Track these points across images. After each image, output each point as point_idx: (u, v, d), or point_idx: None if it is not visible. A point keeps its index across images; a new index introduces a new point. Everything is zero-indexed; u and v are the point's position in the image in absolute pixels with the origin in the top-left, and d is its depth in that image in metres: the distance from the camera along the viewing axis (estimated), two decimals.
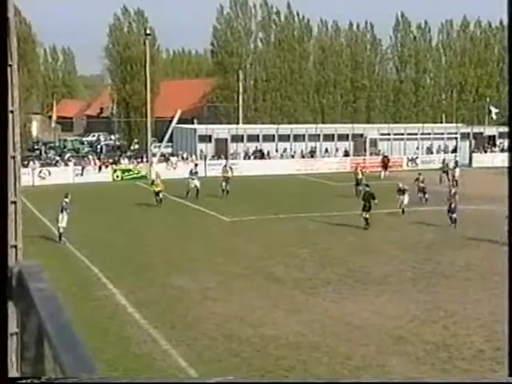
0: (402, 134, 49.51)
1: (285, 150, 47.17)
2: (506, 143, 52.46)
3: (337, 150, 48.16)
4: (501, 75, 62.23)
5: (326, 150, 48.02)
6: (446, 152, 49.43)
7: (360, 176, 33.18)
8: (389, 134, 49.27)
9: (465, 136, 50.89)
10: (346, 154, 48.00)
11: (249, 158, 45.61)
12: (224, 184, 33.02)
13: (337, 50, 59.09)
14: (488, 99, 56.68)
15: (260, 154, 46.25)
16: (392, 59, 61.95)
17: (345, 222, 25.31)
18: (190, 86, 66.42)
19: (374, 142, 48.41)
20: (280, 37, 57.59)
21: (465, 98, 61.18)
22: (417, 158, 48.44)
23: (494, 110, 54.23)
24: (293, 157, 46.73)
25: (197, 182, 32.24)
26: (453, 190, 26.36)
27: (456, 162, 40.30)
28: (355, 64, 59.39)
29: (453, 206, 24.68)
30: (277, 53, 57.13)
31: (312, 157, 47.13)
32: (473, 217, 26.44)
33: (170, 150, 47.91)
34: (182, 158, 44.77)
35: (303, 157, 47.05)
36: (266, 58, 57.17)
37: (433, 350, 12.08)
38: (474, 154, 50.43)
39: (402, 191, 26.33)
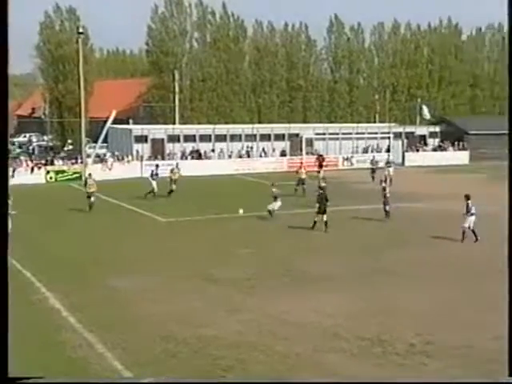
0: (337, 134, 50.37)
1: (221, 150, 47.21)
2: (436, 142, 54.26)
3: (273, 149, 48.55)
4: (430, 76, 64.17)
5: (263, 150, 48.31)
6: (379, 151, 50.57)
7: (304, 176, 33.66)
8: (324, 134, 50.03)
9: (397, 135, 52.22)
10: (283, 153, 48.46)
11: (186, 159, 45.37)
12: (172, 185, 32.72)
13: (272, 51, 59.48)
14: (419, 99, 58.30)
15: (197, 155, 46.09)
16: (326, 60, 62.85)
17: (285, 222, 25.56)
18: (125, 85, 65.48)
19: (309, 142, 49.06)
20: (215, 37, 57.53)
21: (397, 99, 62.74)
22: (352, 157, 49.38)
23: (425, 110, 55.83)
24: (230, 157, 46.82)
25: (154, 184, 31.98)
26: (383, 184, 27.16)
27: (389, 161, 41.08)
28: (290, 64, 59.94)
29: (386, 200, 25.89)
30: (212, 53, 57.04)
31: (248, 157, 47.34)
32: (407, 214, 27.18)
33: (105, 150, 47.12)
34: (118, 158, 44.12)
35: (240, 157, 47.20)
36: (202, 58, 56.98)
37: (368, 346, 12.32)
38: (406, 153, 51.80)
39: (275, 197, 26.15)
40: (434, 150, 53.53)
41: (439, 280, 17.14)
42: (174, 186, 32.80)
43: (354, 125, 53.35)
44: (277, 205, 26.08)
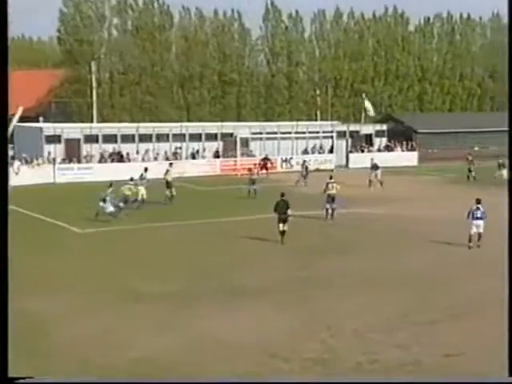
0: (275, 133, 50.91)
1: (146, 151, 46.97)
2: (383, 142, 55.55)
3: (204, 150, 48.67)
4: (375, 70, 65.76)
5: (194, 151, 48.31)
6: (321, 152, 51.52)
7: (255, 176, 35.39)
8: (261, 133, 50.48)
9: (341, 135, 53.14)
10: (216, 155, 48.67)
11: (105, 161, 44.93)
12: (168, 190, 32.74)
13: (202, 41, 59.60)
14: (363, 95, 59.49)
15: (118, 157, 45.69)
16: (263, 51, 63.40)
17: (220, 230, 25.94)
18: (33, 78, 64.10)
19: (245, 142, 49.42)
20: (138, 24, 57.24)
21: (340, 94, 63.92)
22: (291, 158, 50.04)
23: (369, 107, 57.08)
24: (156, 159, 46.62)
25: (143, 190, 31.59)
26: (331, 186, 28.27)
27: (377, 164, 41.29)
28: (223, 56, 60.20)
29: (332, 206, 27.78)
30: (135, 42, 56.71)
31: (177, 159, 47.31)
32: (354, 221, 27.88)
33: (11, 152, 46.08)
34: (26, 161, 43.27)
35: (167, 159, 47.06)
36: (123, 48, 56.56)
37: (309, 367, 12.64)
38: (350, 154, 52.88)
39: (104, 200, 27.65)
40: (380, 150, 54.81)
41: (379, 290, 17.70)
42: (172, 191, 32.66)
43: (294, 123, 54.04)
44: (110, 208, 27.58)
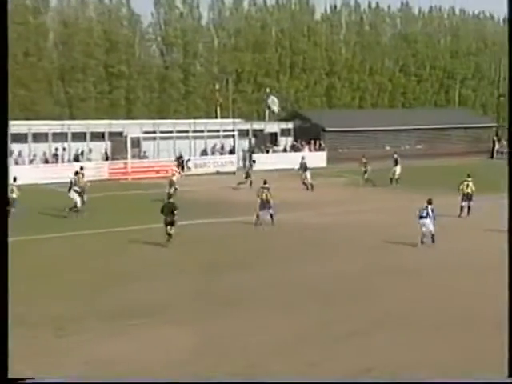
0: (171, 132, 50.58)
1: (20, 153, 45.61)
2: (288, 142, 56.10)
3: (90, 151, 47.75)
4: (280, 62, 66.46)
5: (81, 153, 47.25)
6: (223, 153, 51.50)
7: (174, 178, 36.09)
8: (154, 132, 50.05)
9: (243, 133, 53.38)
10: (104, 157, 47.81)
11: None
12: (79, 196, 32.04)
13: (84, 27, 58.53)
14: (267, 90, 59.89)
15: None
16: (155, 40, 63.03)
17: (120, 241, 25.49)
18: None
19: (136, 142, 48.83)
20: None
21: (242, 89, 64.24)
22: (189, 160, 49.73)
23: (274, 103, 57.56)
24: (32, 162, 45.43)
25: (77, 197, 31.22)
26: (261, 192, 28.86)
27: (306, 164, 41.93)
28: (109, 45, 59.42)
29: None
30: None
31: (57, 161, 46.20)
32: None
33: None
34: None
35: (46, 162, 45.89)
36: None
37: None
38: (254, 155, 53.04)
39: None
40: (286, 150, 55.31)
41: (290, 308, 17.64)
42: (83, 197, 32.19)
43: (191, 121, 53.86)
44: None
